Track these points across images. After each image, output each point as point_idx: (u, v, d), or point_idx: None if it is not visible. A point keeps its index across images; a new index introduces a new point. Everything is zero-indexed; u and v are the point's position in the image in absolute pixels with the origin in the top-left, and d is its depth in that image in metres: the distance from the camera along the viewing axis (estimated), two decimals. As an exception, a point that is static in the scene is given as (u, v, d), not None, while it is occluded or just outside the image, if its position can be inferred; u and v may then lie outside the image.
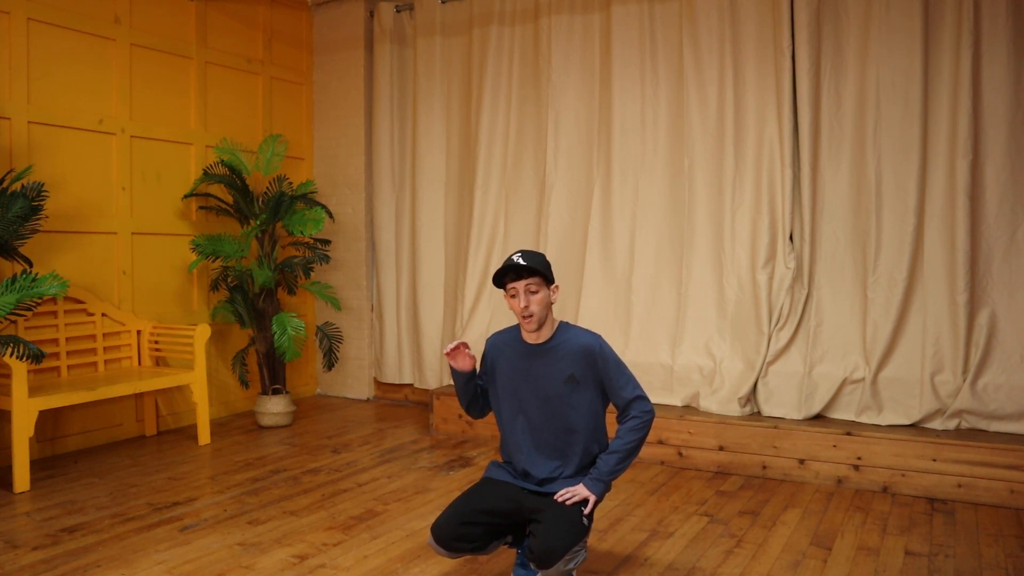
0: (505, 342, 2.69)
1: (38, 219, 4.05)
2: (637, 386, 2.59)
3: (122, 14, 4.85)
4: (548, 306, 2.55)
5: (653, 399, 4.63)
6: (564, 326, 2.64)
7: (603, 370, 2.57)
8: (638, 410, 2.55)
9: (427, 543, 2.65)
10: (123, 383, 4.32)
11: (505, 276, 2.53)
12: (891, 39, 4.18)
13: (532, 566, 2.56)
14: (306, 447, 4.72)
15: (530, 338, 2.60)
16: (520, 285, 2.50)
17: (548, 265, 2.57)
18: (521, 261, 2.49)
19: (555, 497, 2.52)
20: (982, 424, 3.93)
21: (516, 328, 2.68)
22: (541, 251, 5.11)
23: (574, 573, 2.66)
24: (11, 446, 3.88)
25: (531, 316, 2.51)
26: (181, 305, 5.26)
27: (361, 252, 6.08)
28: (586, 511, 2.50)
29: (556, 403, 2.58)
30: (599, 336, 2.62)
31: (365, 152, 6.05)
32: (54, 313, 4.47)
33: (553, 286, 2.57)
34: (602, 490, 2.54)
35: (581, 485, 2.53)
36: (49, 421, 4.48)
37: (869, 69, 4.25)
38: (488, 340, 2.75)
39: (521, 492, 2.62)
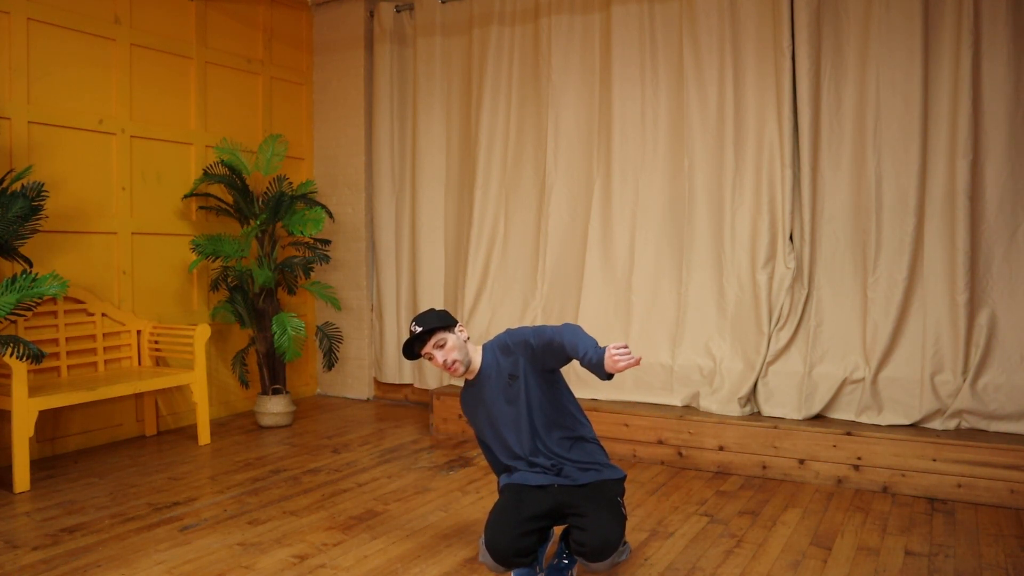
0: (465, 393, 2.84)
1: (38, 219, 4.05)
2: (564, 328, 2.50)
3: (122, 14, 4.85)
4: (463, 346, 2.70)
5: (653, 399, 4.66)
6: (486, 348, 2.77)
7: (529, 349, 2.62)
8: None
9: (479, 561, 2.71)
10: (123, 383, 4.32)
11: (414, 348, 2.70)
12: (891, 39, 4.18)
13: (582, 560, 2.60)
14: (306, 447, 4.72)
15: (469, 376, 2.76)
16: (428, 347, 2.67)
17: (442, 315, 2.73)
18: (417, 329, 2.66)
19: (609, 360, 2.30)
20: (982, 424, 3.93)
21: (485, 351, 2.80)
22: (542, 253, 5.14)
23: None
24: (11, 446, 3.88)
25: (454, 365, 2.66)
26: (181, 305, 5.26)
27: (361, 252, 6.08)
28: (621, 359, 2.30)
29: (516, 406, 2.67)
30: (506, 330, 2.74)
31: (365, 152, 6.05)
32: (54, 313, 4.47)
33: (457, 327, 2.72)
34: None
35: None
36: (49, 421, 4.47)
37: (869, 69, 4.24)
38: (461, 402, 2.90)
39: (550, 488, 2.68)
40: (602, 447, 2.80)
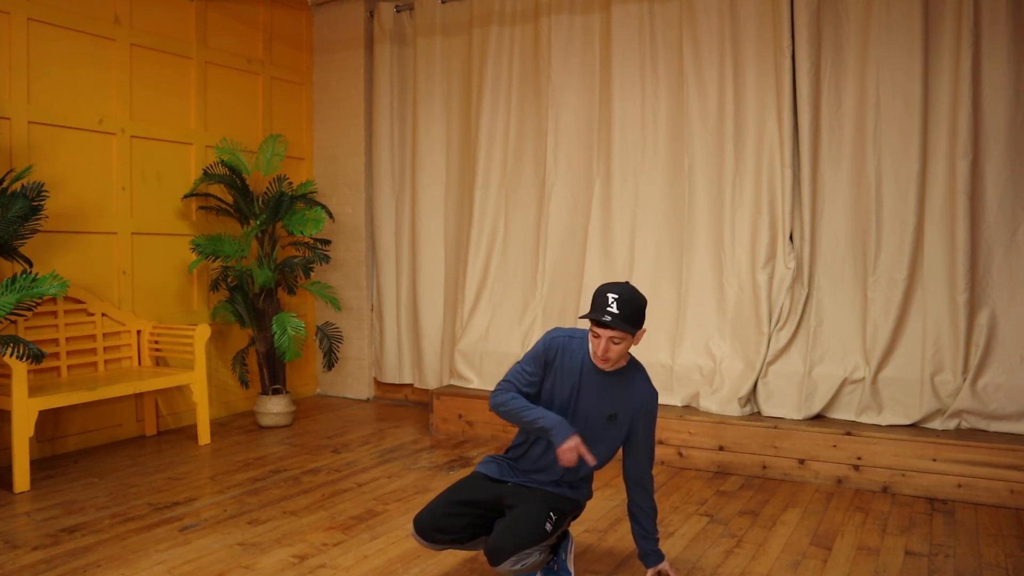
0: (572, 348, 2.59)
1: (38, 219, 4.05)
2: (654, 457, 2.70)
3: (122, 14, 4.85)
4: (627, 350, 2.51)
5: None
6: (634, 364, 2.63)
7: (643, 427, 2.62)
8: (652, 488, 2.68)
9: (409, 534, 2.68)
10: (123, 383, 4.32)
11: (594, 317, 2.43)
12: (891, 39, 4.19)
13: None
14: (306, 447, 4.72)
15: (602, 365, 2.55)
16: (605, 333, 2.43)
17: (640, 311, 2.46)
18: (614, 310, 2.39)
19: None
20: (982, 424, 3.93)
21: (586, 339, 2.60)
22: (542, 253, 5.14)
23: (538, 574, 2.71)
24: (11, 446, 3.88)
25: (607, 360, 2.47)
26: (181, 305, 5.26)
27: (361, 252, 6.08)
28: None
29: (591, 430, 2.60)
30: (657, 395, 2.65)
31: (365, 152, 6.05)
32: (54, 313, 4.47)
33: (640, 331, 2.48)
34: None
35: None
36: (49, 421, 4.47)
37: (869, 69, 4.25)
38: (556, 338, 2.61)
39: (503, 485, 2.66)
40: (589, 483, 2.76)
